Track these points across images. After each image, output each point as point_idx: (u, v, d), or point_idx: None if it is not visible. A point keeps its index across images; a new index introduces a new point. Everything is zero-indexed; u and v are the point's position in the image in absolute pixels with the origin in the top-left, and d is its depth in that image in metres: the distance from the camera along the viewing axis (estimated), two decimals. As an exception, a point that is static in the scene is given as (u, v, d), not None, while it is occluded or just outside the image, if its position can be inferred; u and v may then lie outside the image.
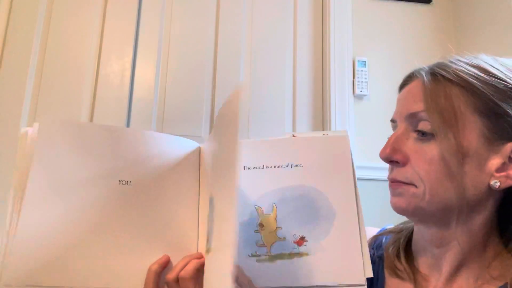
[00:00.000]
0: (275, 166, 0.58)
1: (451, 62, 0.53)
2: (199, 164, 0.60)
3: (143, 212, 0.55)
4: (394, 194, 0.54)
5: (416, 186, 0.51)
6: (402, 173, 0.52)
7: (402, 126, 0.54)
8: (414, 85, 0.54)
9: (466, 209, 0.49)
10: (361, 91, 1.55)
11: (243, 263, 0.54)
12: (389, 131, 0.58)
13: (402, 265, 0.57)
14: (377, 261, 0.61)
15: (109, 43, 1.49)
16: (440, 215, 0.51)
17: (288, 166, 0.58)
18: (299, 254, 0.54)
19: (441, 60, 0.54)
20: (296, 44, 1.61)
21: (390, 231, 0.64)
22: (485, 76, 0.50)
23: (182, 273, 0.51)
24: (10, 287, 0.47)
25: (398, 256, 0.58)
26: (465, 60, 0.53)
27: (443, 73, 0.51)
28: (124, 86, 1.47)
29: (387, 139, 0.57)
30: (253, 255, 0.55)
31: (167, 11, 1.55)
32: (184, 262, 0.52)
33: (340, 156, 0.58)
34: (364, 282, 0.53)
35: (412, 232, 0.60)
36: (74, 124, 0.57)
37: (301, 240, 0.55)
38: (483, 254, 0.52)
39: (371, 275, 0.53)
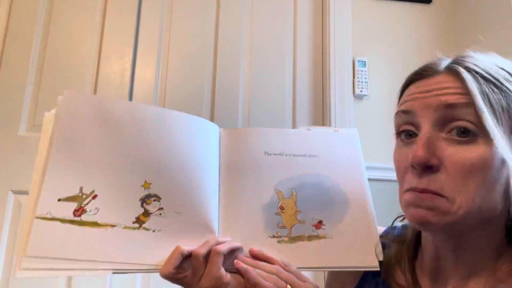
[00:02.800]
0: (294, 155, 0.62)
1: (472, 57, 0.47)
2: (219, 147, 0.63)
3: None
4: (420, 205, 0.46)
5: (449, 201, 0.44)
6: (436, 182, 0.45)
7: (428, 120, 0.46)
8: (442, 77, 0.47)
9: (500, 218, 0.46)
10: (361, 91, 1.55)
11: (264, 244, 0.56)
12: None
13: (405, 278, 0.54)
14: (382, 265, 0.58)
15: (109, 43, 1.49)
16: (470, 227, 0.46)
17: (305, 155, 0.62)
18: (318, 237, 0.58)
19: (461, 56, 0.49)
20: (296, 44, 1.60)
21: (393, 241, 0.60)
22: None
23: (216, 248, 0.52)
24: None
25: (400, 269, 0.55)
26: (490, 59, 0.48)
27: (475, 68, 0.45)
28: (124, 86, 1.47)
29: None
30: (274, 236, 0.57)
31: (167, 11, 1.55)
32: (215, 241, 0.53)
33: (351, 150, 0.64)
34: (377, 264, 0.56)
35: (416, 240, 0.57)
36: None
37: (319, 224, 0.58)
38: (495, 258, 0.49)
39: (381, 258, 0.57)
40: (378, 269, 0.56)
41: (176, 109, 0.63)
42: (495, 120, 0.43)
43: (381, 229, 0.66)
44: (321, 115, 1.57)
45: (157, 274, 0.52)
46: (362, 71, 1.57)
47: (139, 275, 1.33)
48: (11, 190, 1.35)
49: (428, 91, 0.47)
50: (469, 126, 0.43)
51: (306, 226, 0.58)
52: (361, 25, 1.63)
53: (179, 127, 0.59)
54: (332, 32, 1.58)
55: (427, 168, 0.45)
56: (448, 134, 0.45)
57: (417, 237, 0.58)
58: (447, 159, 0.44)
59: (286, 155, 0.62)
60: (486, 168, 0.43)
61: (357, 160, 0.64)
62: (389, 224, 0.66)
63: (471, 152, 0.43)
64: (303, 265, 0.56)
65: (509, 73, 0.46)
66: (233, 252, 0.54)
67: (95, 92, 1.45)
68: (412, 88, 0.50)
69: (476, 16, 1.59)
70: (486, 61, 0.47)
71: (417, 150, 0.45)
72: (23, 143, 1.37)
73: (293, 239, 0.57)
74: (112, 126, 0.56)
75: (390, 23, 1.66)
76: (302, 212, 0.59)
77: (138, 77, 1.49)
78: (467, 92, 0.44)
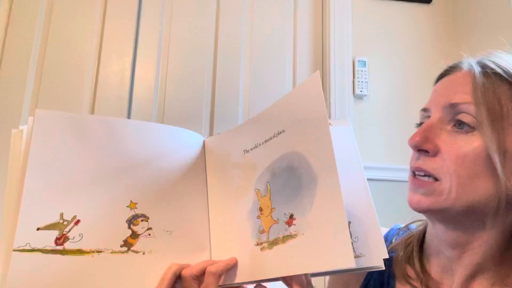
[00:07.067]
0: (266, 141, 0.54)
1: (497, 56, 0.50)
2: (204, 158, 0.59)
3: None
4: (416, 191, 0.50)
5: (441, 182, 0.47)
6: (430, 164, 0.49)
7: (436, 115, 0.51)
8: (459, 76, 0.51)
9: (504, 210, 0.46)
10: (361, 91, 1.55)
11: (252, 254, 0.50)
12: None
13: (415, 271, 0.55)
14: (387, 263, 0.57)
15: (109, 43, 1.49)
16: (465, 216, 0.48)
17: (274, 136, 0.52)
18: (290, 236, 0.47)
19: (487, 54, 0.52)
20: (296, 44, 1.61)
21: (396, 245, 0.60)
22: None
23: (211, 268, 0.49)
24: None
25: (409, 262, 0.56)
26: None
27: (493, 67, 0.48)
28: (124, 86, 1.47)
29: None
30: (257, 244, 0.50)
31: (167, 11, 1.55)
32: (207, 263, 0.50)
33: (315, 106, 0.48)
34: (353, 264, 0.41)
35: (423, 234, 0.58)
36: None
37: (291, 219, 0.48)
38: (502, 261, 0.49)
39: (386, 256, 0.48)
40: (353, 266, 0.41)
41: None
42: (487, 119, 0.46)
43: (383, 230, 0.66)
44: (321, 115, 1.57)
45: None
46: (362, 71, 1.57)
47: None
48: (11, 190, 1.35)
49: (442, 90, 0.52)
50: (467, 119, 0.47)
51: (280, 225, 0.48)
52: (361, 25, 1.63)
53: (159, 139, 0.56)
54: (332, 32, 1.58)
55: (423, 151, 0.50)
56: (452, 126, 0.49)
57: (424, 234, 0.58)
58: (443, 146, 0.48)
59: (259, 144, 0.54)
60: (478, 160, 0.46)
61: (323, 119, 0.47)
62: (390, 224, 0.66)
63: (468, 143, 0.47)
64: (281, 275, 0.47)
65: None
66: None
67: (95, 92, 1.45)
68: (438, 84, 0.54)
69: (476, 16, 1.59)
70: (507, 58, 0.49)
71: (415, 134, 0.50)
72: (23, 143, 1.37)
73: (271, 244, 0.49)
74: (89, 144, 0.52)
75: (390, 23, 1.66)
76: (276, 209, 0.50)
77: (138, 77, 1.49)
78: (475, 90, 0.47)
